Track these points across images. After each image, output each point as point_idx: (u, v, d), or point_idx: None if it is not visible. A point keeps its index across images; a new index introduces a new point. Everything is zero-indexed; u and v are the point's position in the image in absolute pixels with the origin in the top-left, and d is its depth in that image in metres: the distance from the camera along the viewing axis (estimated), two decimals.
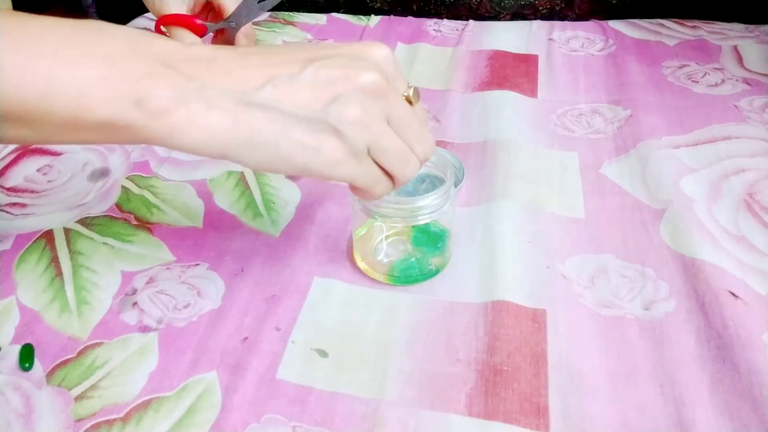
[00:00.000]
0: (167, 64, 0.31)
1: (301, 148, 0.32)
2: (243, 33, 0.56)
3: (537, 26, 0.80)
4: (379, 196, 0.37)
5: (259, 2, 0.55)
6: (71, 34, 0.31)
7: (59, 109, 0.29)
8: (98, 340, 0.42)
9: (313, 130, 0.32)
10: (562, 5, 0.83)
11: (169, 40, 0.33)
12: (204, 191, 0.54)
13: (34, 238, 0.49)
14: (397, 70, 0.35)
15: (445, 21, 0.82)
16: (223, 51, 0.34)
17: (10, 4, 0.66)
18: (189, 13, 0.56)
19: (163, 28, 0.56)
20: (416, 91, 0.36)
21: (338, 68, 0.33)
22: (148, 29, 0.56)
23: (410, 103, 0.36)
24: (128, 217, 0.52)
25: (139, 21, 0.84)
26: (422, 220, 0.42)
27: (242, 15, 0.55)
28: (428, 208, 0.42)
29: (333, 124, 0.32)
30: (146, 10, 0.86)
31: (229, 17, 0.55)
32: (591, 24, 0.80)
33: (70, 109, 0.29)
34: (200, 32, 0.56)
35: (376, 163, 0.35)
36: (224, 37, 0.57)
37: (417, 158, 0.36)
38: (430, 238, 0.47)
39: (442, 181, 0.44)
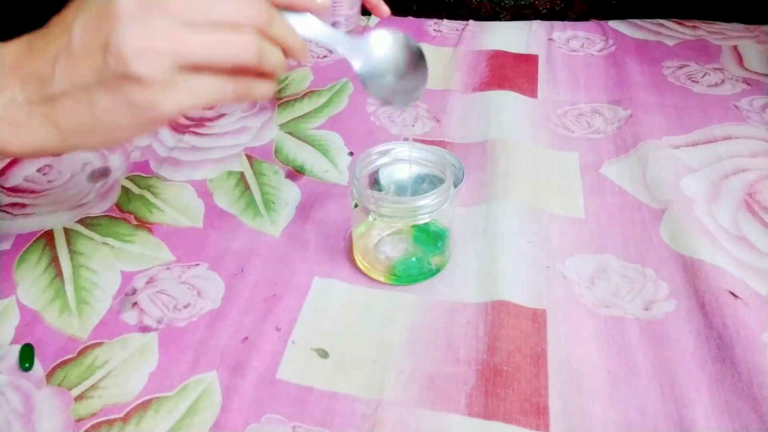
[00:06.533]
0: None
1: (116, 110, 0.31)
2: None
3: (537, 26, 0.80)
4: (258, 95, 0.34)
5: None
6: None
7: None
8: (98, 340, 0.42)
9: (112, 89, 0.30)
10: (562, 5, 0.83)
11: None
12: (204, 191, 0.54)
13: (34, 238, 0.49)
14: None
15: (445, 21, 0.82)
16: (15, 46, 0.33)
17: None
18: None
19: None
20: None
21: (91, 12, 0.30)
22: None
23: None
24: (128, 217, 0.51)
25: None
26: (422, 220, 0.42)
27: None
28: (427, 207, 0.42)
29: (120, 72, 0.29)
30: None
31: None
32: (591, 24, 0.80)
33: None
34: None
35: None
36: None
37: (252, 24, 0.31)
38: (430, 237, 0.47)
39: (441, 181, 0.44)
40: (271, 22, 0.32)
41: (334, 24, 0.52)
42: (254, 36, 0.32)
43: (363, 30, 0.80)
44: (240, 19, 0.31)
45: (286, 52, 0.34)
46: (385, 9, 0.54)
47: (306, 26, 0.36)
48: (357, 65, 0.38)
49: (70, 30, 0.31)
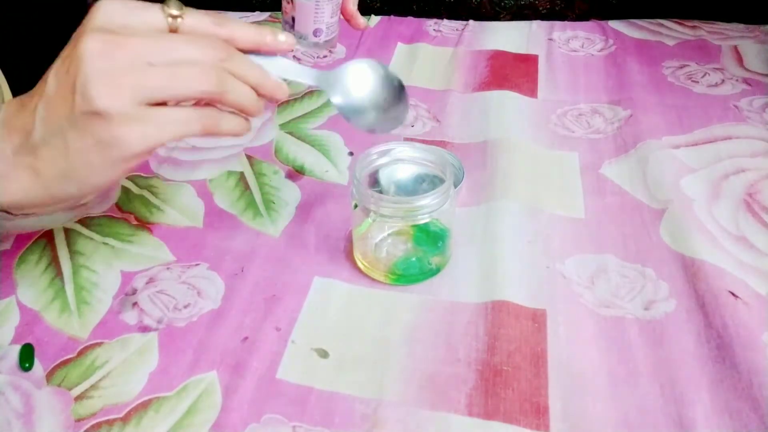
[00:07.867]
0: None
1: (88, 151, 0.32)
2: None
3: (537, 26, 0.79)
4: (228, 131, 0.35)
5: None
6: None
7: None
8: (98, 340, 0.42)
9: (81, 129, 0.31)
10: (562, 5, 0.83)
11: None
12: (204, 191, 0.54)
13: (34, 238, 0.49)
14: (128, 11, 0.32)
15: (445, 21, 0.82)
16: (11, 103, 0.34)
17: None
18: None
19: None
20: (177, 4, 0.33)
21: (62, 59, 0.32)
22: None
23: (175, 17, 0.32)
24: (128, 217, 0.51)
25: None
26: (422, 220, 0.42)
27: None
28: (427, 207, 0.42)
29: (87, 110, 0.30)
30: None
31: None
32: (591, 24, 0.80)
33: None
34: None
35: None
36: None
37: (211, 60, 0.32)
38: (430, 237, 0.47)
39: (441, 181, 0.44)
40: (230, 58, 0.33)
41: (315, 32, 0.52)
42: (213, 69, 0.33)
43: (361, 32, 0.80)
44: (198, 56, 0.32)
45: (258, 92, 0.35)
46: (362, 21, 0.56)
47: (277, 66, 0.36)
48: (337, 100, 0.38)
49: (47, 78, 0.32)
